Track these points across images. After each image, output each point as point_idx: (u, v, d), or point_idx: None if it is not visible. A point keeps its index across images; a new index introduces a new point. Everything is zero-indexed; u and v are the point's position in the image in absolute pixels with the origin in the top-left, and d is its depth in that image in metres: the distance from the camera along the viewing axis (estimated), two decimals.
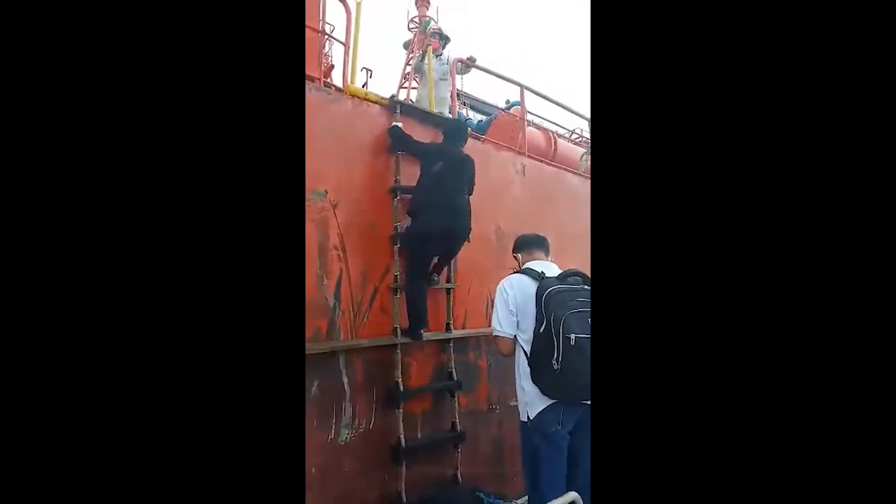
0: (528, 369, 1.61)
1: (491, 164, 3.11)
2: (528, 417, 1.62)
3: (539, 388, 1.58)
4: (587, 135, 5.05)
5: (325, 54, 2.93)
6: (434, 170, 2.29)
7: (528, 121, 3.89)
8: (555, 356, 1.49)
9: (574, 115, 4.29)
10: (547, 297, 1.56)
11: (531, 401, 1.61)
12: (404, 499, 2.11)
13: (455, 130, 2.51)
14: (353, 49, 2.61)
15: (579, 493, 1.60)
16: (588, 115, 4.31)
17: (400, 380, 2.25)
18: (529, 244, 1.92)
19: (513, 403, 2.82)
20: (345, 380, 2.14)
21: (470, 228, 2.33)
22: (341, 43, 2.86)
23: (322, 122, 2.20)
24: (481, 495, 2.31)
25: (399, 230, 2.41)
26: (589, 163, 4.16)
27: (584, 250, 3.20)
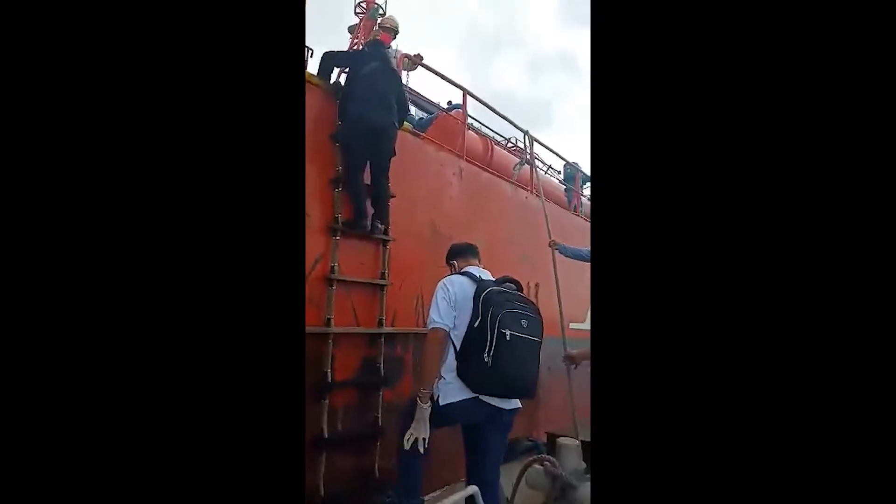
0: (455, 363, 1.66)
1: (430, 162, 3.16)
2: (437, 401, 1.66)
3: (464, 382, 1.63)
4: (521, 144, 5.31)
5: None
6: (362, 71, 2.50)
7: (468, 125, 4.01)
8: (486, 349, 1.55)
9: (511, 124, 4.49)
10: (486, 295, 1.63)
11: (446, 391, 1.66)
12: (322, 492, 2.08)
13: (374, 43, 2.79)
14: None
15: (487, 483, 1.70)
16: (530, 125, 4.54)
17: (329, 370, 2.21)
18: (466, 252, 1.99)
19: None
20: None
21: (400, 123, 2.63)
22: None
23: None
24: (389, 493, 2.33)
25: (340, 222, 2.37)
26: (520, 172, 4.39)
27: (513, 254, 3.38)
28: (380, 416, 2.43)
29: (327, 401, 2.20)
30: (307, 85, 2.46)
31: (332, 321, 2.28)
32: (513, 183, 4.05)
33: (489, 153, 4.37)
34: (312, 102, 2.46)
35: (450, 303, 1.70)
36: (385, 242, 2.62)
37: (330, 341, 2.25)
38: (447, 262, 2.03)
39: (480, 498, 1.62)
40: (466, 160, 3.48)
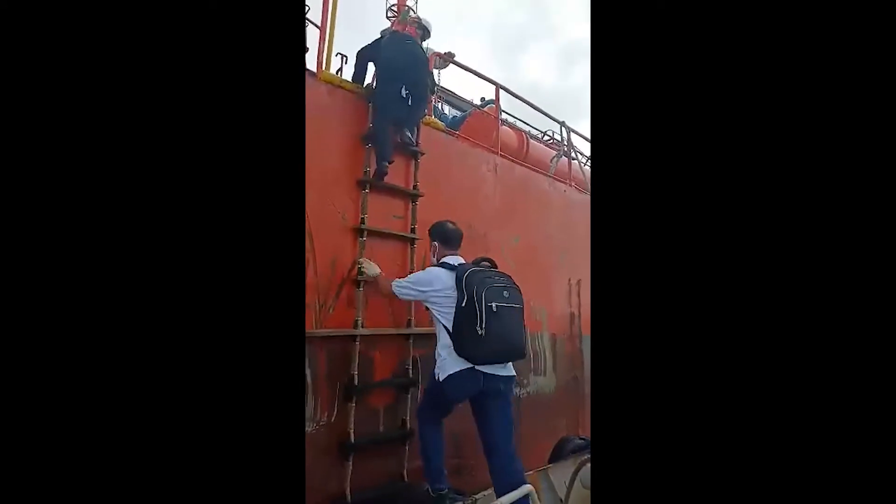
0: (450, 341, 1.87)
1: (464, 160, 3.13)
2: (439, 378, 1.90)
3: (461, 356, 1.83)
4: (558, 137, 5.16)
5: None
6: (388, 38, 2.62)
7: (501, 120, 3.93)
8: (478, 323, 1.76)
9: (546, 116, 4.37)
10: (468, 276, 1.85)
11: (444, 366, 1.89)
12: (349, 496, 2.09)
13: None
14: (329, 34, 2.54)
15: (502, 453, 1.90)
16: (560, 118, 4.40)
17: (356, 373, 2.22)
18: (452, 240, 2.12)
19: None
20: (307, 372, 2.10)
21: (433, 85, 2.77)
22: (316, 26, 2.78)
23: None
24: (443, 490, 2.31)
25: (365, 223, 2.39)
26: (557, 165, 4.26)
27: (552, 250, 3.27)
28: (408, 418, 2.41)
29: (354, 404, 2.19)
30: (340, 90, 2.50)
31: (362, 323, 2.28)
32: (550, 176, 3.93)
33: (524, 147, 4.27)
34: (345, 107, 2.50)
35: (418, 287, 1.97)
36: (413, 242, 2.62)
37: (357, 343, 2.25)
38: (430, 238, 2.19)
39: (537, 498, 1.73)
40: (501, 155, 3.41)
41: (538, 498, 1.86)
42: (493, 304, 1.78)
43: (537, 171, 3.80)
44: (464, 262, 2.05)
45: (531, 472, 2.45)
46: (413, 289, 2.00)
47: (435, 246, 2.13)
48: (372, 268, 2.17)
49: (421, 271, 2.06)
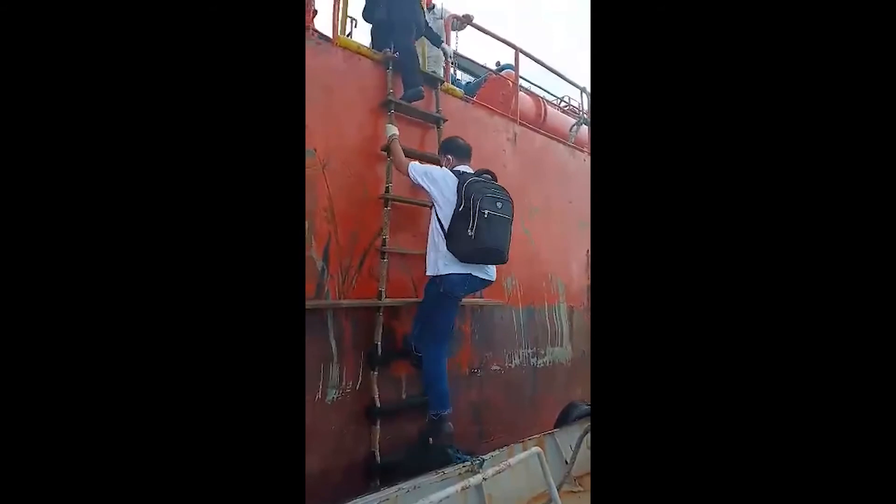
0: (445, 240, 2.06)
1: (482, 129, 3.05)
2: (438, 272, 2.08)
3: (453, 254, 2.03)
4: (575, 103, 4.99)
5: None
6: None
7: (519, 86, 3.80)
8: (470, 226, 1.95)
9: (566, 81, 4.20)
10: (467, 185, 2.03)
11: (445, 263, 2.06)
12: (378, 458, 2.18)
13: None
14: None
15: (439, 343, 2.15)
16: (580, 83, 4.24)
17: (379, 343, 2.26)
18: (463, 154, 2.26)
19: (495, 367, 2.92)
20: (332, 342, 2.14)
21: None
22: None
23: (309, 75, 2.07)
24: (449, 451, 2.39)
25: (390, 191, 2.36)
26: (578, 133, 4.14)
27: (571, 219, 3.19)
28: None
29: (377, 372, 2.24)
30: (357, 56, 2.42)
31: (385, 293, 2.29)
32: (569, 145, 3.83)
33: (542, 115, 4.14)
34: (362, 73, 2.42)
35: (429, 176, 2.11)
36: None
37: (380, 314, 2.27)
38: (441, 154, 2.31)
39: (544, 459, 1.80)
40: (519, 123, 3.32)
41: (545, 458, 1.92)
42: (486, 212, 1.98)
43: (556, 140, 3.69)
44: (470, 169, 2.22)
45: (538, 436, 2.53)
46: (424, 177, 2.12)
47: (448, 158, 2.26)
48: (391, 129, 2.30)
49: (438, 168, 2.18)
